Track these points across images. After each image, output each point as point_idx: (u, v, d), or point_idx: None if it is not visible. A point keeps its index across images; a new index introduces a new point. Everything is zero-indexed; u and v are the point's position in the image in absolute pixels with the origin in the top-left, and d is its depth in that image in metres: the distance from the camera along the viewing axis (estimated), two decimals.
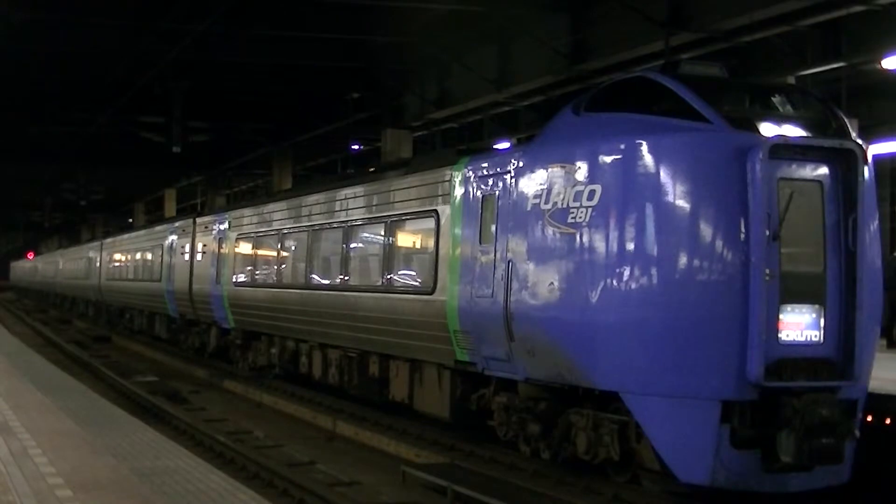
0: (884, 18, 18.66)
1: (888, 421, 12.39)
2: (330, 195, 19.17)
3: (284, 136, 37.70)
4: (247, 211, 24.33)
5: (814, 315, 10.90)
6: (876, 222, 11.37)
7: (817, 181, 11.06)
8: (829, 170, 11.07)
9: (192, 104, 30.95)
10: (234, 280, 23.88)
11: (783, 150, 10.85)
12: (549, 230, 12.02)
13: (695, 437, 10.70)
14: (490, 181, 13.45)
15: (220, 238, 25.37)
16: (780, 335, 10.74)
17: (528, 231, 12.40)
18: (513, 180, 12.91)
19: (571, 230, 11.67)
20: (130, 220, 65.84)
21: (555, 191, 12.02)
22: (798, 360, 10.79)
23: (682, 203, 10.93)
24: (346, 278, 17.94)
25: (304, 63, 27.22)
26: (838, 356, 10.94)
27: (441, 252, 14.52)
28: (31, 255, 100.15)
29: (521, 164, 12.85)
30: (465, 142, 27.89)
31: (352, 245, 17.99)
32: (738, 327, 10.55)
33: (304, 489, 12.30)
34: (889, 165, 24.85)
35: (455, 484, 12.14)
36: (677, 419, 10.80)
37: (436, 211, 14.81)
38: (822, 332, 10.91)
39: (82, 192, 57.93)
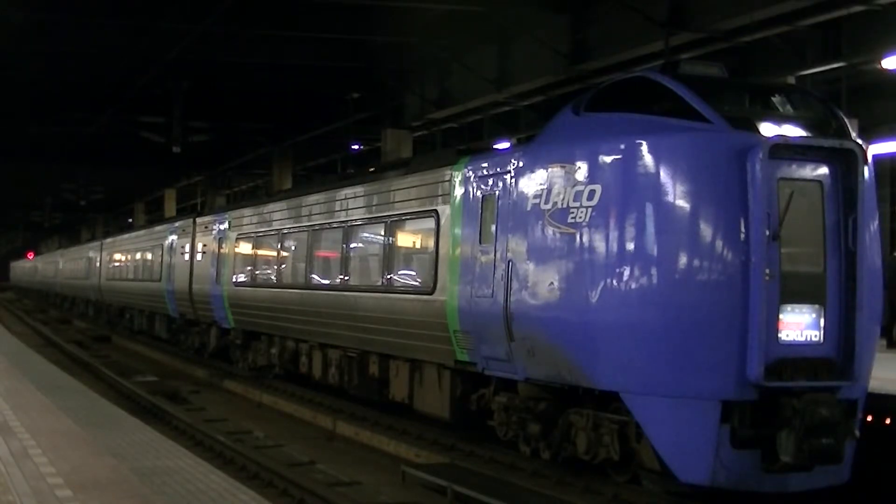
0: (884, 18, 18.65)
1: (888, 421, 12.39)
2: (330, 195, 19.17)
3: (284, 136, 37.70)
4: (247, 211, 24.33)
5: (814, 315, 10.90)
6: (876, 222, 11.37)
7: (817, 181, 11.06)
8: (829, 170, 11.07)
9: (192, 104, 30.97)
10: (234, 280, 23.88)
11: (783, 150, 10.85)
12: (549, 230, 12.02)
13: (695, 437, 10.70)
14: (490, 181, 13.45)
15: (219, 238, 25.37)
16: (780, 335, 10.74)
17: (528, 231, 12.40)
18: (513, 180, 12.91)
19: (571, 230, 11.67)
20: (130, 220, 65.83)
21: (555, 191, 12.02)
22: (798, 360, 10.80)
23: (682, 203, 10.93)
24: (346, 278, 17.94)
25: (304, 63, 27.23)
26: (838, 356, 10.94)
27: (441, 252, 14.52)
28: (31, 255, 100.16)
29: (521, 164, 12.85)
30: (465, 142, 27.88)
31: (352, 245, 17.99)
32: (738, 327, 10.55)
33: (304, 489, 12.30)
34: (889, 165, 24.83)
35: (455, 484, 12.14)
36: (677, 419, 10.80)
37: (436, 211, 14.81)
38: (822, 332, 10.91)
39: (82, 192, 57.95)
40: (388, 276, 16.33)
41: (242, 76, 29.29)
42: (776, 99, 11.92)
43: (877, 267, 11.33)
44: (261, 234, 22.71)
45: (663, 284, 10.91)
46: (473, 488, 11.90)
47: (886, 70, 20.09)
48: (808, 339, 10.88)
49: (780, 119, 11.43)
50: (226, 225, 25.12)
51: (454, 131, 32.16)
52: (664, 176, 11.04)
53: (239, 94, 31.79)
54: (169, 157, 33.62)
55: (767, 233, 10.61)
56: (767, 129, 11.04)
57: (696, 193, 10.90)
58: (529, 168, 12.65)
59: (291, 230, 20.73)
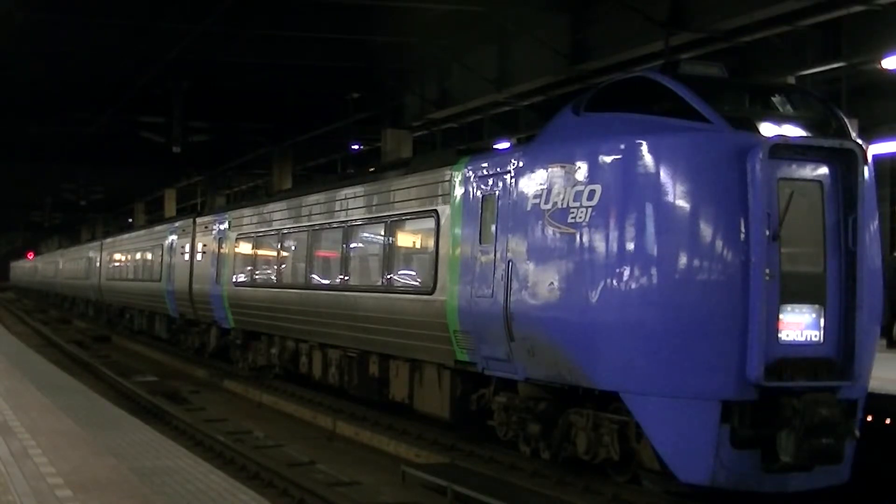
0: (884, 18, 18.66)
1: (888, 421, 12.40)
2: (330, 195, 19.17)
3: (284, 136, 37.71)
4: (247, 211, 24.33)
5: (814, 315, 10.90)
6: (876, 222, 11.37)
7: (817, 181, 11.06)
8: (829, 170, 11.07)
9: (192, 104, 30.97)
10: (233, 280, 23.88)
11: (783, 150, 10.85)
12: (549, 230, 12.01)
13: (695, 437, 10.70)
14: (490, 181, 13.45)
15: (219, 238, 25.37)
16: (780, 335, 10.73)
17: (528, 231, 12.40)
18: (513, 180, 12.90)
19: (571, 230, 11.67)
20: (130, 220, 65.84)
21: (555, 191, 12.02)
22: (798, 360, 10.79)
23: (682, 203, 10.93)
24: (346, 278, 17.94)
25: (304, 63, 27.23)
26: (838, 356, 10.94)
27: (441, 252, 14.52)
28: (31, 255, 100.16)
29: (521, 164, 12.85)
30: (465, 142, 27.89)
31: (352, 245, 17.99)
32: (738, 327, 10.55)
33: (304, 489, 12.30)
34: (889, 165, 24.83)
35: (455, 484, 12.14)
36: (677, 419, 10.80)
37: (436, 211, 14.81)
38: (822, 332, 10.91)
39: (82, 192, 57.96)
40: (388, 276, 16.33)
41: (242, 76, 29.29)
42: (776, 99, 11.92)
43: (877, 267, 11.33)
44: (261, 234, 22.71)
45: (663, 284, 10.90)
46: (473, 488, 11.90)
47: (886, 70, 20.09)
48: (808, 339, 10.88)
49: (780, 119, 11.43)
50: (226, 225, 25.12)
51: (454, 131, 32.16)
52: (664, 176, 11.04)
53: (239, 94, 31.79)
54: (169, 157, 33.63)
55: (767, 233, 10.61)
56: (767, 129, 11.04)
57: (696, 193, 10.90)
58: (529, 168, 12.64)
59: (291, 230, 20.73)
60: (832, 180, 11.06)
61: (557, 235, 11.89)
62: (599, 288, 11.30)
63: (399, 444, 15.63)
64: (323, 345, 19.28)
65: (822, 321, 10.91)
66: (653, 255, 10.98)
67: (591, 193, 11.51)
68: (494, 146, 16.07)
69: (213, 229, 26.15)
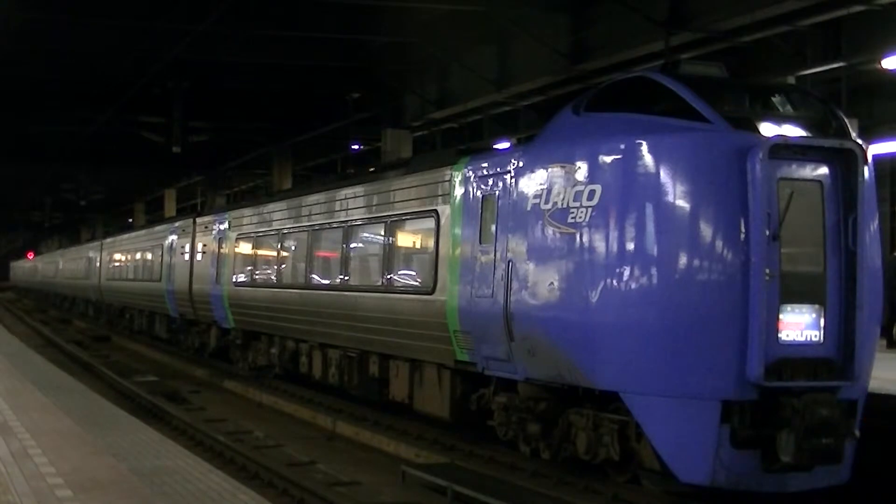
0: (884, 18, 18.69)
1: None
2: (330, 195, 19.17)
3: (284, 136, 37.73)
4: (247, 211, 24.33)
5: (814, 315, 10.90)
6: (876, 222, 11.37)
7: (817, 181, 11.06)
8: (829, 170, 11.07)
9: (192, 104, 30.99)
10: (234, 280, 23.88)
11: (783, 150, 10.85)
12: (549, 230, 12.02)
13: (695, 437, 10.70)
14: (490, 181, 13.45)
15: (219, 238, 25.37)
16: (780, 335, 10.73)
17: (528, 231, 12.40)
18: (513, 180, 12.91)
19: (571, 230, 11.67)
20: (130, 220, 65.86)
21: (555, 191, 12.02)
22: (798, 360, 10.79)
23: (682, 203, 10.93)
24: (346, 278, 17.94)
25: (304, 63, 27.26)
26: (838, 356, 10.94)
27: (441, 252, 14.52)
28: (31, 255, 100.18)
29: (521, 164, 12.85)
30: (465, 142, 27.91)
31: (352, 245, 17.99)
32: (738, 327, 10.54)
33: (304, 489, 12.30)
34: (889, 165, 24.85)
35: (455, 484, 12.15)
36: (677, 419, 10.80)
37: (436, 211, 14.81)
38: (822, 332, 10.90)
39: (82, 192, 58.02)
40: (388, 276, 16.33)
41: (242, 76, 29.32)
42: (776, 99, 11.91)
43: (877, 267, 11.32)
44: (261, 233, 22.71)
45: (663, 284, 10.90)
46: (473, 488, 11.90)
47: (886, 70, 20.10)
48: (808, 338, 10.87)
49: (780, 119, 11.43)
50: (226, 225, 25.11)
51: (454, 131, 32.19)
52: (664, 176, 11.04)
53: (239, 94, 31.83)
54: (169, 157, 33.65)
55: (767, 233, 10.61)
56: (767, 129, 11.04)
57: (696, 193, 10.90)
58: (529, 168, 12.64)
59: (291, 230, 20.73)
60: (832, 180, 11.06)
61: (557, 235, 11.89)
62: (599, 288, 11.30)
63: (399, 444, 15.64)
64: (323, 345, 19.28)
65: (822, 321, 10.91)
66: (653, 255, 10.98)
67: (591, 193, 11.51)
68: (494, 146, 16.07)
69: (213, 229, 26.14)
